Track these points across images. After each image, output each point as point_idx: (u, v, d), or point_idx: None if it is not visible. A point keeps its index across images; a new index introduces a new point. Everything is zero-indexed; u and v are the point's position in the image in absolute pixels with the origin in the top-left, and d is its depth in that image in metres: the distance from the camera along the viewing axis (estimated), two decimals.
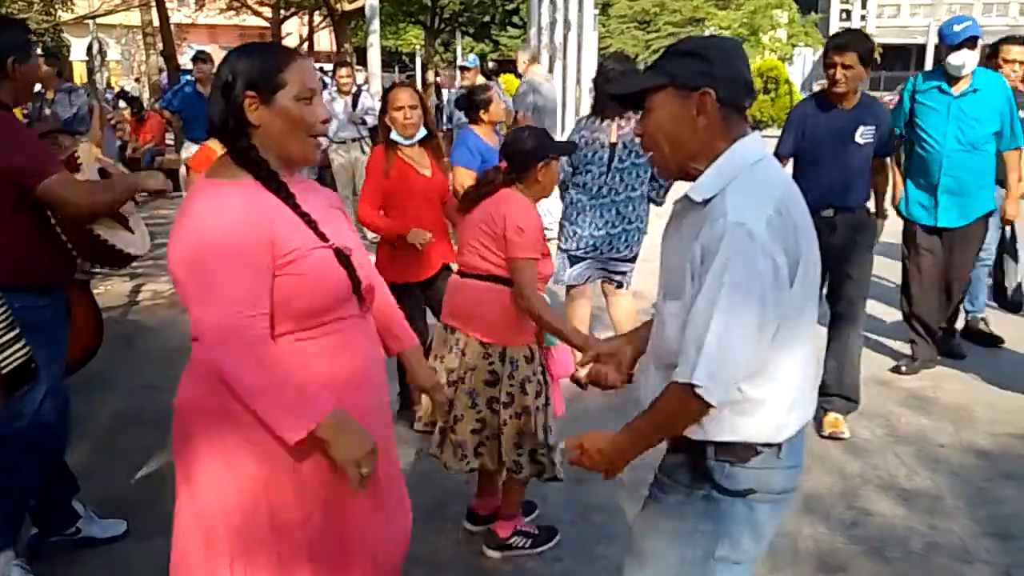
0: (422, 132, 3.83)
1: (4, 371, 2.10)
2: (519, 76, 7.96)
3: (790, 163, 4.10)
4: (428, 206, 3.87)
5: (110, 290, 6.78)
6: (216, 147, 3.51)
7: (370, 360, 1.98)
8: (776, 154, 4.00)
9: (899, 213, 4.83)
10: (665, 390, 1.65)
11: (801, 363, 1.69)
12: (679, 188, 2.06)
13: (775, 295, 1.56)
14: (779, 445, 1.68)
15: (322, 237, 1.82)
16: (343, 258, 1.84)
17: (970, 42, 4.36)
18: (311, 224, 1.81)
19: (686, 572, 1.77)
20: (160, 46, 14.98)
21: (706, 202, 1.64)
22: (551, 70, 13.91)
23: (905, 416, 4.31)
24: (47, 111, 7.49)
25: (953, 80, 4.47)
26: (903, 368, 4.86)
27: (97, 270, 7.13)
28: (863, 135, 3.95)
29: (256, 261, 1.72)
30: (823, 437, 3.94)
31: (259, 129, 1.80)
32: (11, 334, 2.16)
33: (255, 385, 1.71)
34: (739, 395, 1.63)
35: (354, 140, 8.51)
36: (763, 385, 1.65)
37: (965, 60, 4.38)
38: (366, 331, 1.98)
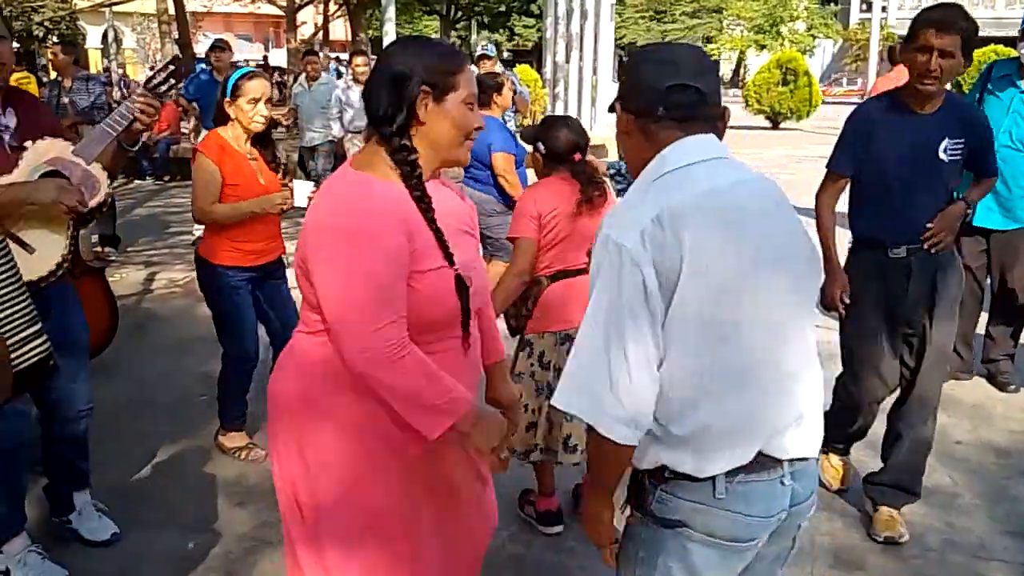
0: None
1: (23, 366, 2.09)
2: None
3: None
4: None
5: (125, 278, 6.80)
6: (225, 133, 3.51)
7: (466, 384, 1.94)
8: (831, 170, 3.15)
9: None
10: None
11: (726, 398, 1.49)
12: None
13: (649, 312, 1.43)
14: (712, 482, 1.51)
15: (449, 258, 1.79)
16: (461, 286, 1.81)
17: None
18: (442, 243, 1.79)
19: None
20: (175, 34, 15.00)
21: None
22: (567, 60, 13.84)
23: None
24: (64, 99, 7.52)
25: None
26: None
27: (112, 258, 7.18)
28: (948, 150, 2.94)
29: (400, 267, 1.71)
30: (878, 542, 3.10)
31: (423, 127, 1.78)
32: (32, 329, 2.15)
33: (399, 389, 1.72)
34: (656, 427, 1.51)
35: None
36: (676, 421, 1.50)
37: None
38: (468, 356, 1.95)
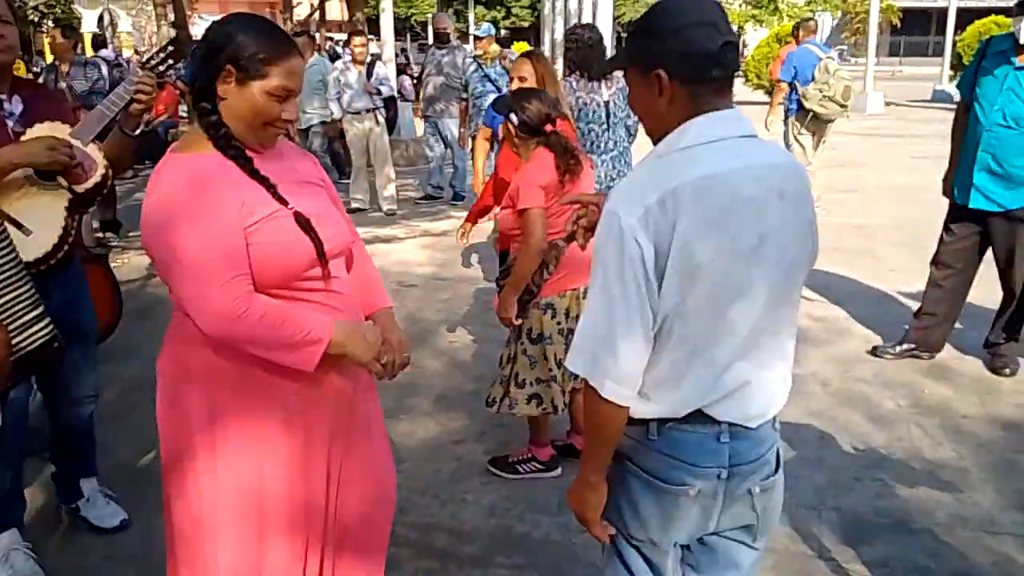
0: None
1: (26, 351, 2.09)
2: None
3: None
4: None
5: (128, 263, 6.79)
6: None
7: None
8: None
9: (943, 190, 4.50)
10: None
11: (673, 361, 1.58)
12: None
13: (647, 282, 1.50)
14: (646, 425, 1.63)
15: (281, 201, 1.84)
16: (303, 222, 1.84)
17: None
18: (270, 188, 1.83)
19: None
20: (171, 17, 14.86)
21: None
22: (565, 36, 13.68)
23: (929, 387, 4.27)
24: (62, 84, 7.45)
25: (1022, 49, 4.06)
26: (890, 350, 4.67)
27: (113, 244, 7.16)
28: None
29: (223, 226, 1.75)
30: None
31: (225, 101, 1.82)
32: (35, 312, 2.13)
33: (258, 339, 1.78)
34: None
35: (368, 111, 8.44)
36: None
37: (1022, 26, 3.98)
38: (340, 299, 1.96)
